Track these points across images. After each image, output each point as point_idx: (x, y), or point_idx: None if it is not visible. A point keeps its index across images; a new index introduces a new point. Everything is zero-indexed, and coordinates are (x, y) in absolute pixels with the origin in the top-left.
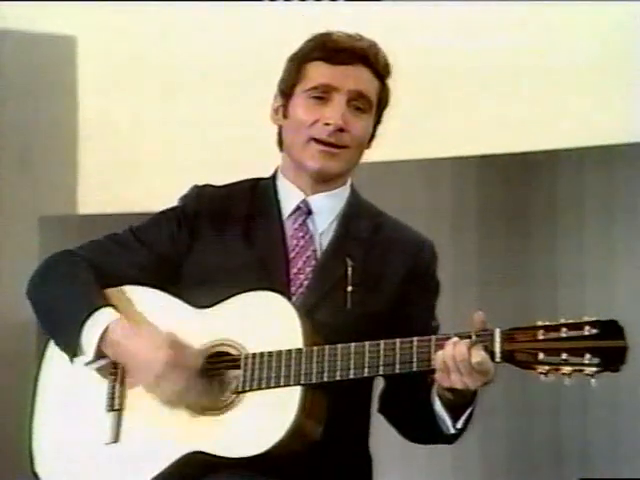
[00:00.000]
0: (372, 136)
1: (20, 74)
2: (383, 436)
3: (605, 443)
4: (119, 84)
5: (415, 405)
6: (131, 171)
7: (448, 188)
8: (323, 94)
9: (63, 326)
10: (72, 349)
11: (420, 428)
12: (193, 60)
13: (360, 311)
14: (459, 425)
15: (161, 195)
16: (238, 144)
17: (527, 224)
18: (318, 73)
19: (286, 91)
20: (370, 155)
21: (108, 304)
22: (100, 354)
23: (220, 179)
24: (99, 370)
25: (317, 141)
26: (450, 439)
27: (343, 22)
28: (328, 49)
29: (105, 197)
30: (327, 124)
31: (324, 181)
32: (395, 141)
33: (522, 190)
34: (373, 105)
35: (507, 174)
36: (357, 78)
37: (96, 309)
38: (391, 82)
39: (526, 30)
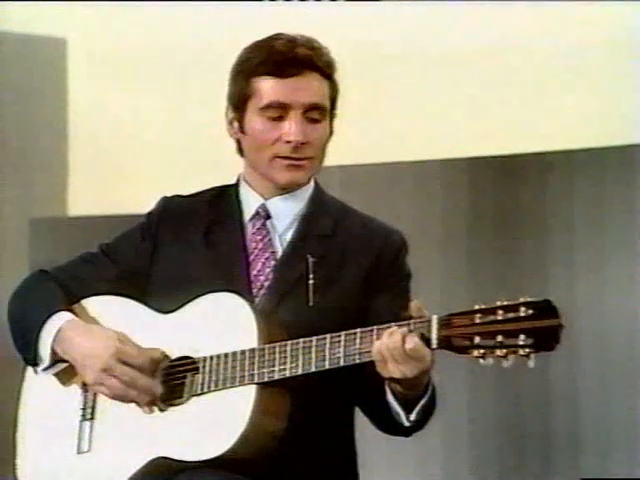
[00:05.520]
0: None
1: (10, 76)
2: (369, 432)
3: (596, 434)
4: (109, 86)
5: (374, 397)
6: (121, 173)
7: (438, 190)
8: (278, 111)
9: (25, 335)
10: (32, 355)
11: (381, 419)
12: (186, 62)
13: (323, 307)
14: (413, 417)
15: (150, 197)
16: (229, 147)
17: (517, 226)
18: (269, 89)
19: (238, 105)
20: (363, 157)
21: (67, 309)
22: (56, 357)
23: (209, 181)
24: (60, 378)
25: (282, 157)
26: (407, 431)
27: (344, 22)
28: (273, 62)
29: (95, 199)
30: (288, 141)
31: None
32: (386, 143)
33: (512, 192)
34: (327, 109)
35: (497, 176)
36: (309, 90)
37: (54, 313)
38: (382, 84)
39: (519, 31)
